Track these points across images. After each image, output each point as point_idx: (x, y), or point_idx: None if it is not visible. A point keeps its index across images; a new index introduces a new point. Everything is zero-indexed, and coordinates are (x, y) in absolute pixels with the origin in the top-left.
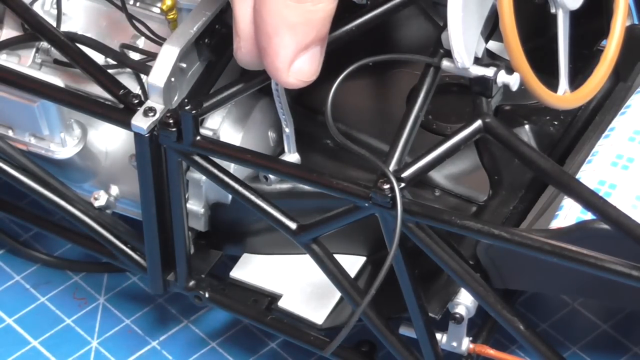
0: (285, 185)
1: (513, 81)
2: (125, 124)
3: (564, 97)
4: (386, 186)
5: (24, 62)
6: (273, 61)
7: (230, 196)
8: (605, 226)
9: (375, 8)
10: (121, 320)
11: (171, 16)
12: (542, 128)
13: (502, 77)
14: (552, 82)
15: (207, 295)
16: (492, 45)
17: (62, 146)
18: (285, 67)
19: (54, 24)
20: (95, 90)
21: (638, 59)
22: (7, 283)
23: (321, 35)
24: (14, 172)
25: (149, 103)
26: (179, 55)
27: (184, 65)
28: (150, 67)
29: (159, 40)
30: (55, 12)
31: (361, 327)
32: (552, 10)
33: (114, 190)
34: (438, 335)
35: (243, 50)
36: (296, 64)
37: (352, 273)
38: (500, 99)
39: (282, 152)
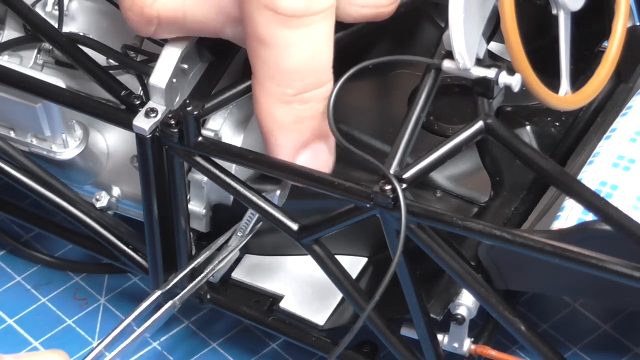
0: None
1: (514, 82)
2: (127, 125)
3: (566, 98)
4: (387, 187)
5: (26, 63)
6: (278, 156)
7: (231, 197)
8: (607, 227)
9: None
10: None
11: None
12: (544, 129)
13: (504, 78)
14: (553, 83)
15: (208, 296)
16: (494, 46)
17: (64, 147)
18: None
19: (56, 25)
20: (97, 91)
21: (639, 60)
22: (8, 284)
23: (318, 132)
24: (16, 172)
25: (150, 104)
26: (181, 56)
27: (186, 66)
28: (152, 68)
29: (161, 42)
30: (56, 13)
31: (363, 328)
32: (554, 11)
33: (116, 191)
34: (439, 336)
35: None
36: (299, 160)
37: (354, 274)
38: (501, 100)
39: None
